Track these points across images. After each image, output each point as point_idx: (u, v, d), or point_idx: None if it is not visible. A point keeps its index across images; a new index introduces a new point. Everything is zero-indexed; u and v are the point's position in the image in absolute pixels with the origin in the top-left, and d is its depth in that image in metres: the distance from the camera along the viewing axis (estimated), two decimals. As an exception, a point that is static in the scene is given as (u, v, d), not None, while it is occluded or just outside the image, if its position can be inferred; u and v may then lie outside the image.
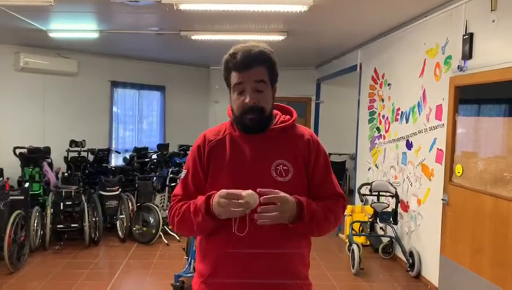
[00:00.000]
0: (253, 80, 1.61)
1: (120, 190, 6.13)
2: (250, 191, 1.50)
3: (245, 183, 1.58)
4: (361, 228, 5.84)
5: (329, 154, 2.06)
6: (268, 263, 1.58)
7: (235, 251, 1.57)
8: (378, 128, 6.08)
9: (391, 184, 5.33)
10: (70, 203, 5.56)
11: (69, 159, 6.84)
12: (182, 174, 1.74)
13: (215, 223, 1.57)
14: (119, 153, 8.00)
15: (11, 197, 5.06)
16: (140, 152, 7.72)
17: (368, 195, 5.59)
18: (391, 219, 5.14)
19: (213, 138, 1.70)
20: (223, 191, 1.51)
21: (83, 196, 5.74)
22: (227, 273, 1.59)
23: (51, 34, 5.89)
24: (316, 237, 1.69)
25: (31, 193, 5.69)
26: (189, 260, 4.33)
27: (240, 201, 1.49)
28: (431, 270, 4.55)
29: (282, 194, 1.52)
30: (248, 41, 1.70)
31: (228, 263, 1.59)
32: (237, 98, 1.64)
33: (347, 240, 5.65)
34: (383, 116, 5.87)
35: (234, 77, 1.63)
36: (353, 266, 4.95)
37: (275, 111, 1.75)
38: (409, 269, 4.89)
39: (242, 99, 1.62)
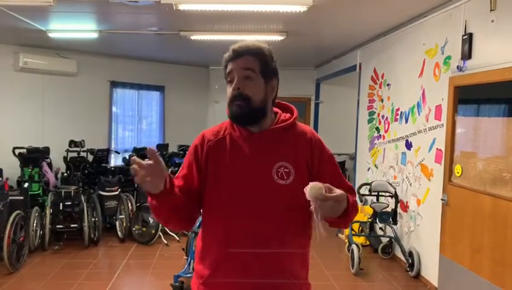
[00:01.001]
0: (241, 67, 1.59)
1: (119, 190, 6.12)
2: (314, 184, 1.41)
3: (246, 185, 1.57)
4: (360, 228, 5.84)
5: (329, 154, 2.05)
6: (268, 263, 1.57)
7: (235, 250, 1.56)
8: (377, 129, 6.08)
9: (390, 184, 5.33)
10: (69, 203, 5.56)
11: (68, 159, 6.84)
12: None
13: (161, 198, 1.49)
14: (119, 153, 7.99)
15: (10, 198, 5.05)
16: (140, 152, 7.70)
17: (367, 195, 5.59)
18: (390, 219, 5.15)
19: (212, 137, 1.66)
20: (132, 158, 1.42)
21: (82, 196, 5.74)
22: (227, 274, 1.58)
23: (51, 34, 5.89)
24: (341, 228, 1.68)
25: (30, 193, 5.69)
26: (189, 260, 4.33)
27: (138, 169, 1.39)
28: (430, 270, 4.55)
29: (340, 192, 1.44)
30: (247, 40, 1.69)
31: (228, 264, 1.58)
32: (228, 88, 1.63)
33: (346, 240, 5.65)
34: (383, 116, 5.87)
35: (227, 68, 1.63)
36: (352, 266, 4.95)
37: (275, 109, 1.71)
38: (408, 269, 4.89)
39: (231, 88, 1.61)
